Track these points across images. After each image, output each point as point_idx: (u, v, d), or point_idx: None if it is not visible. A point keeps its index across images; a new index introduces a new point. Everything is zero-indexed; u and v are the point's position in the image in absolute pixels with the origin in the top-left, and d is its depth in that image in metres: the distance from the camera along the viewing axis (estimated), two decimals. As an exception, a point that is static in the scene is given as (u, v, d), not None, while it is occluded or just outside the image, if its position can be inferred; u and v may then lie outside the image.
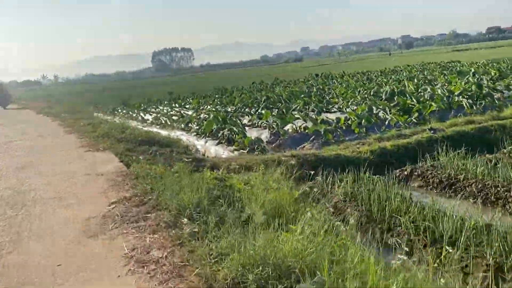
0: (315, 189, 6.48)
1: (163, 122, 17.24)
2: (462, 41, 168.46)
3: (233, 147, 11.01)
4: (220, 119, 12.39)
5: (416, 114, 11.62)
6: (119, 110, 23.34)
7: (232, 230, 3.82)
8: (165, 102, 26.31)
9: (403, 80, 21.30)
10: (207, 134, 12.67)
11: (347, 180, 6.95)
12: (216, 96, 25.14)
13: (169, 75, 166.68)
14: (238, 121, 12.27)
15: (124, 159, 8.19)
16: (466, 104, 12.10)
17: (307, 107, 14.53)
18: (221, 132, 11.58)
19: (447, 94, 13.62)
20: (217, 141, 11.92)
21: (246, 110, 16.95)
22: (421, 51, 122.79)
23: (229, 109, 18.42)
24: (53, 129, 14.77)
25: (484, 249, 4.42)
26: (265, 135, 12.91)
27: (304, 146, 10.65)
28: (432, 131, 9.31)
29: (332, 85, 23.50)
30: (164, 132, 14.97)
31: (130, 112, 21.45)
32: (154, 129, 16.36)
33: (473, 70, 20.19)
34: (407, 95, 13.78)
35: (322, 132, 10.56)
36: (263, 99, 16.61)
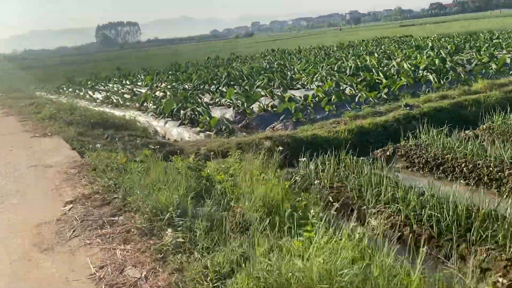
0: (298, 177, 5.86)
1: (115, 101, 15.95)
2: (407, 17, 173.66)
3: (198, 128, 10.15)
4: (182, 97, 11.41)
5: (386, 90, 11.24)
6: (64, 89, 21.54)
7: (227, 239, 3.09)
8: (114, 79, 24.66)
9: (362, 54, 21.05)
10: (166, 115, 11.68)
11: (329, 164, 6.40)
12: (170, 72, 23.81)
13: (115, 50, 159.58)
14: (200, 100, 11.34)
15: (76, 145, 7.15)
16: (434, 78, 11.88)
17: (272, 83, 13.81)
18: (183, 112, 10.65)
19: (412, 68, 13.38)
20: (179, 122, 10.99)
21: (206, 87, 15.99)
22: (369, 26, 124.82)
23: (186, 86, 17.37)
24: (-11, 111, 13.17)
25: (500, 241, 4.02)
26: (229, 114, 12.10)
27: (274, 126, 9.99)
28: (408, 108, 8.93)
29: (291, 61, 22.90)
30: (117, 113, 13.76)
31: (77, 91, 19.80)
32: (106, 109, 15.06)
33: (430, 44, 20.23)
34: (373, 70, 13.40)
35: (293, 111, 9.92)
36: (223, 76, 15.69)
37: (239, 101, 12.01)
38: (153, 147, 6.83)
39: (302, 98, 11.61)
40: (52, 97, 20.19)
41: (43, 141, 7.79)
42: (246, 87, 13.81)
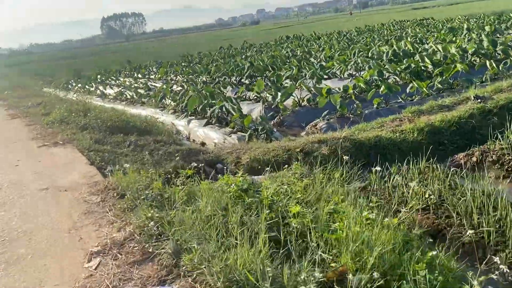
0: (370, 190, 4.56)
1: (129, 97, 14.68)
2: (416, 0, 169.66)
3: (227, 128, 8.86)
4: (207, 93, 10.11)
5: (439, 78, 9.84)
6: (74, 84, 20.31)
7: None
8: (125, 72, 23.39)
9: (390, 39, 19.54)
10: (189, 113, 10.40)
11: (408, 176, 5.09)
12: (183, 64, 22.47)
13: (121, 41, 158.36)
14: (232, 96, 10.03)
15: (94, 158, 5.91)
16: (491, 64, 10.44)
17: (302, 74, 12.44)
18: (211, 110, 9.35)
19: (460, 53, 11.94)
20: (204, 121, 9.71)
21: (226, 79, 14.67)
22: (378, 10, 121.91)
23: (204, 79, 16.07)
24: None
25: None
26: (257, 110, 10.82)
27: (316, 124, 8.68)
28: (479, 100, 7.56)
29: (310, 47, 21.45)
30: (133, 110, 12.52)
31: (86, 86, 18.56)
32: (119, 106, 13.84)
33: (466, 26, 18.66)
34: (416, 56, 11.97)
35: (338, 106, 8.58)
36: (246, 66, 14.34)
37: (268, 95, 10.70)
38: (192, 160, 5.55)
39: (341, 90, 10.27)
40: (61, 93, 19.01)
41: (54, 151, 6.56)
42: (273, 79, 12.45)
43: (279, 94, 10.42)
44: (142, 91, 15.45)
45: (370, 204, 3.78)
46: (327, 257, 2.92)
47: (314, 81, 11.51)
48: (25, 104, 12.49)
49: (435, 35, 18.80)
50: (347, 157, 5.17)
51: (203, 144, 9.14)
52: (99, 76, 22.25)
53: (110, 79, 20.84)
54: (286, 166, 5.43)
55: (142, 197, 4.00)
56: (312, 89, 10.07)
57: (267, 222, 3.42)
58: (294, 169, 4.99)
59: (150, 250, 3.11)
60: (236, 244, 2.77)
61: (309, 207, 3.86)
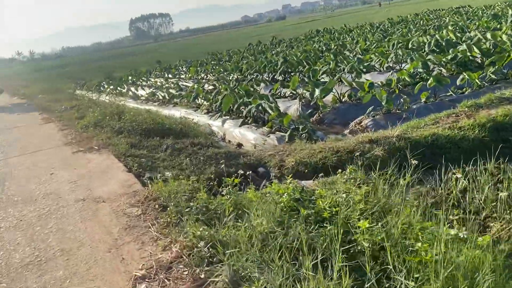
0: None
1: (161, 97, 14.47)
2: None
3: (265, 128, 8.43)
4: (243, 91, 9.70)
5: (492, 69, 9.09)
6: (105, 86, 20.36)
7: None
8: (156, 73, 23.32)
9: (428, 29, 18.63)
10: (224, 112, 10.03)
11: (477, 179, 4.51)
12: (213, 62, 22.19)
13: (150, 42, 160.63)
14: (267, 94, 9.58)
15: (132, 164, 5.59)
16: (549, 51, 9.60)
17: (340, 68, 11.87)
18: (247, 109, 8.94)
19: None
20: (239, 121, 9.32)
21: (259, 77, 14.25)
22: (407, 0, 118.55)
23: (236, 76, 15.71)
24: (28, 116, 11.97)
25: None
26: (294, 107, 10.35)
27: (361, 122, 8.14)
28: (545, 91, 6.85)
29: (343, 40, 20.75)
30: (166, 111, 12.27)
31: (118, 88, 18.53)
32: (152, 107, 13.65)
33: (511, 12, 17.55)
34: (465, 46, 11.18)
35: (385, 102, 8.01)
36: (279, 62, 13.86)
37: (305, 91, 10.21)
38: (232, 165, 5.16)
39: (384, 84, 9.67)
40: (93, 96, 19.07)
41: (89, 158, 6.30)
42: (308, 74, 11.92)
43: (317, 90, 9.92)
44: (173, 91, 15.24)
45: (450, 217, 3.28)
46: (412, 286, 2.45)
47: (353, 75, 10.92)
48: (58, 107, 12.44)
49: (477, 23, 17.78)
50: (415, 161, 4.61)
51: (239, 145, 8.75)
52: (130, 78, 22.25)
53: (141, 80, 20.78)
54: (338, 170, 4.97)
55: (187, 210, 3.62)
56: (354, 83, 9.50)
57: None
58: (349, 174, 4.51)
59: (202, 276, 2.71)
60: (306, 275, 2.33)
61: (375, 220, 3.39)
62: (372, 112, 8.23)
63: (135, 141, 6.87)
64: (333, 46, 17.17)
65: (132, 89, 17.62)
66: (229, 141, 9.25)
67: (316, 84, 10.27)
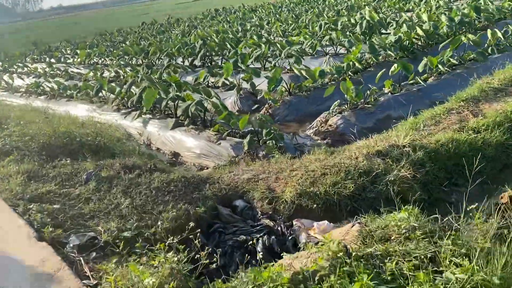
0: None
1: (49, 89, 11.50)
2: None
3: (210, 132, 6.55)
4: (170, 83, 7.57)
5: (449, 53, 8.28)
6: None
7: None
8: (34, 57, 19.40)
9: (342, 9, 17.95)
10: (144, 110, 7.85)
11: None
12: (107, 44, 19.09)
13: (17, 20, 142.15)
14: (210, 90, 7.55)
15: (42, 221, 3.39)
16: (494, 34, 9.14)
17: (276, 53, 10.30)
18: (182, 106, 6.91)
19: (448, 23, 10.57)
20: (169, 122, 7.29)
21: (172, 61, 12.08)
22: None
23: (141, 61, 13.28)
24: None
25: None
26: (230, 100, 8.59)
27: (326, 120, 6.69)
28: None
29: (253, 21, 19.23)
30: (58, 108, 9.59)
31: (-14, 77, 14.70)
32: (38, 103, 10.72)
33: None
34: (405, 27, 10.38)
35: (354, 94, 6.65)
36: (198, 45, 11.78)
37: (247, 81, 8.49)
38: (196, 198, 3.33)
39: (334, 71, 8.37)
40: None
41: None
42: (236, 59, 10.12)
43: (259, 79, 8.30)
44: (62, 80, 12.32)
45: None
46: None
47: (291, 61, 9.43)
48: None
49: (386, 3, 17.61)
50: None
51: (175, 155, 6.77)
52: (0, 63, 18.11)
53: (15, 66, 16.93)
54: (356, 201, 3.45)
55: None
56: (303, 71, 8.01)
57: None
58: (408, 218, 2.97)
59: None
60: None
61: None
62: (336, 108, 6.85)
63: (34, 168, 4.54)
64: (249, 27, 15.53)
65: (6, 78, 14.03)
66: (158, 148, 7.19)
67: (256, 73, 8.60)
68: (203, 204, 4.06)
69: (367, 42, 9.92)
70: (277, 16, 19.31)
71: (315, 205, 3.80)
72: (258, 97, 8.25)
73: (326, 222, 3.65)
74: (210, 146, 6.30)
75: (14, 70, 16.40)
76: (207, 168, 6.01)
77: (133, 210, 3.82)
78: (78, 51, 17.57)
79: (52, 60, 17.29)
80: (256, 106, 7.98)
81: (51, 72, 14.27)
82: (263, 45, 10.36)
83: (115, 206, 3.88)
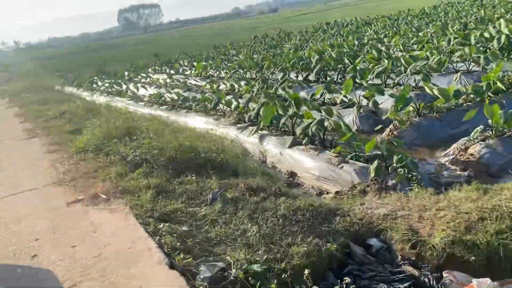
0: None
1: (169, 99, 12.06)
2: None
3: (330, 153, 6.14)
4: (291, 101, 7.36)
5: None
6: (99, 83, 17.84)
7: None
8: (155, 68, 20.83)
9: (469, 22, 16.43)
10: (260, 126, 7.73)
11: None
12: (223, 57, 19.78)
13: (139, 33, 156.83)
14: (332, 108, 7.23)
15: (170, 243, 3.29)
16: None
17: (400, 69, 9.58)
18: (303, 125, 6.62)
19: None
20: (285, 139, 7.04)
21: (286, 76, 11.94)
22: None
23: (255, 75, 13.39)
24: (6, 125, 9.50)
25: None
26: (349, 119, 8.10)
27: (466, 147, 5.88)
28: None
29: (367, 34, 18.47)
30: (179, 119, 9.95)
31: (115, 86, 16.05)
32: (159, 113, 11.29)
33: None
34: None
35: (501, 120, 5.76)
36: (314, 60, 11.54)
37: (369, 98, 7.96)
38: (325, 232, 2.90)
39: (470, 91, 7.44)
40: (85, 94, 16.61)
41: (95, 219, 3.93)
42: (354, 75, 9.59)
43: (385, 98, 7.72)
44: (180, 91, 12.87)
45: None
46: None
47: (418, 78, 8.66)
48: (45, 113, 10.01)
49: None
50: None
51: (292, 174, 6.47)
52: (127, 73, 19.74)
53: (139, 77, 18.29)
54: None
55: None
56: (435, 90, 7.24)
57: None
58: None
59: None
60: None
61: None
62: (478, 134, 6.00)
63: (161, 183, 4.56)
64: (366, 41, 14.88)
65: (131, 87, 15.15)
66: (274, 166, 6.96)
67: (379, 90, 8.02)
68: (334, 239, 3.67)
69: (505, 58, 8.78)
70: (395, 29, 18.32)
71: (472, 257, 3.19)
72: (383, 117, 7.64)
73: (488, 280, 3.02)
74: (331, 169, 5.88)
75: (138, 80, 17.69)
76: (327, 193, 5.63)
77: (261, 239, 3.56)
78: (195, 63, 18.48)
79: (172, 71, 18.37)
80: (380, 126, 7.38)
81: (171, 83, 15.06)
82: (385, 60, 9.71)
83: (241, 232, 3.66)
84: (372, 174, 5.25)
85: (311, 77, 11.21)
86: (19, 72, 30.34)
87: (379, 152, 5.63)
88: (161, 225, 3.58)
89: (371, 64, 10.15)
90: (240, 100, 9.15)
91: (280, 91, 9.61)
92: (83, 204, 4.27)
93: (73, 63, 36.26)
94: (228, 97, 9.93)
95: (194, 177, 4.76)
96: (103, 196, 4.34)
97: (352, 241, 3.78)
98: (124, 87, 15.48)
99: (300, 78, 11.70)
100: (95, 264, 3.08)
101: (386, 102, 8.03)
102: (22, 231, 3.87)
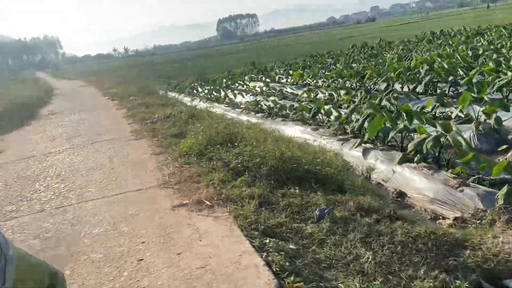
0: None
1: (266, 107, 12.03)
2: None
3: (448, 174, 5.50)
4: (403, 113, 6.82)
5: None
6: (199, 89, 18.53)
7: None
8: (251, 76, 21.13)
9: None
10: (364, 139, 7.27)
11: None
12: (319, 65, 19.46)
13: (235, 42, 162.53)
14: (450, 123, 6.60)
15: (278, 262, 3.04)
16: None
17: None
18: (417, 141, 6.05)
19: None
20: (393, 154, 6.50)
21: (390, 87, 11.26)
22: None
23: (355, 85, 12.86)
24: (117, 128, 10.11)
25: None
26: (467, 135, 7.27)
27: None
28: None
29: (479, 45, 16.90)
30: (276, 128, 9.81)
31: (214, 93, 16.52)
32: (255, 120, 11.28)
33: None
34: None
35: None
36: (423, 70, 10.76)
37: (492, 113, 7.11)
38: (457, 267, 2.37)
39: None
40: (186, 99, 17.31)
41: (199, 227, 3.83)
42: (468, 87, 8.69)
43: (509, 115, 6.82)
44: (276, 99, 12.78)
45: None
46: None
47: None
48: (151, 115, 10.51)
49: None
50: None
51: (401, 194, 5.93)
52: (225, 80, 20.27)
53: (236, 84, 18.65)
54: None
55: None
56: None
57: None
58: None
59: None
60: None
61: None
62: None
63: (264, 193, 4.35)
64: (481, 51, 13.58)
65: (229, 94, 15.45)
66: (379, 183, 6.46)
67: (504, 106, 7.12)
68: (464, 276, 3.16)
69: None
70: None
71: None
72: (509, 136, 6.75)
73: None
74: (448, 191, 5.25)
75: (235, 87, 18.04)
76: (443, 218, 5.05)
77: (377, 267, 3.17)
78: (291, 72, 18.37)
79: (268, 80, 18.46)
80: (505, 147, 6.50)
81: (267, 91, 15.08)
82: (509, 73, 8.65)
83: (354, 257, 3.30)
84: (501, 202, 4.57)
85: (419, 88, 10.41)
86: (126, 76, 32.79)
87: (508, 176, 4.92)
88: (267, 240, 3.35)
89: (491, 77, 9.12)
90: (340, 110, 8.74)
91: (384, 102, 9.05)
92: (188, 209, 4.21)
93: (174, 69, 38.39)
94: (327, 107, 9.60)
95: (297, 190, 4.49)
96: (207, 202, 4.25)
97: (485, 280, 3.23)
98: (222, 94, 15.86)
99: (405, 89, 10.97)
100: (201, 276, 2.93)
101: (510, 119, 7.12)
102: (130, 232, 3.90)
